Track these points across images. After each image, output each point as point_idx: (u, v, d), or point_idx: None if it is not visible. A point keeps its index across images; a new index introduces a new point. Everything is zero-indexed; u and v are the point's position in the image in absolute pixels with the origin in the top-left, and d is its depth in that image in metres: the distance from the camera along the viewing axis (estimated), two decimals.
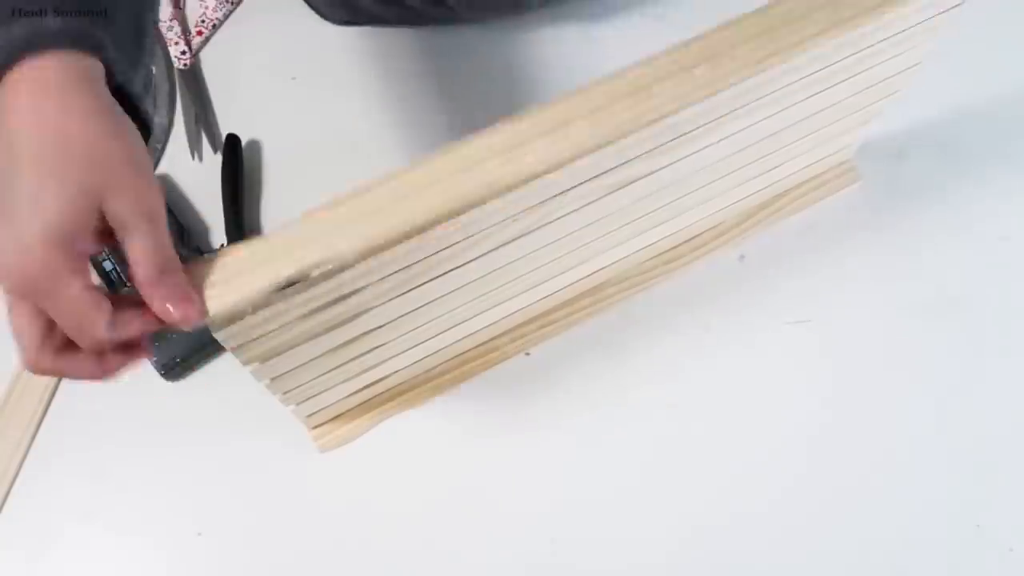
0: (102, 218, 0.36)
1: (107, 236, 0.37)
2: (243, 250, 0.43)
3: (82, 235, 0.35)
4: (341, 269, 0.43)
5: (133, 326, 0.38)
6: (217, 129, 0.75)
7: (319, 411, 0.62)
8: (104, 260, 0.67)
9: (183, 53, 0.77)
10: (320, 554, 0.63)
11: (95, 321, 0.36)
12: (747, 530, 0.64)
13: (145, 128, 0.41)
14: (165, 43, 0.77)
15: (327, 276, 0.43)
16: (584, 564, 0.63)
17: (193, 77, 0.76)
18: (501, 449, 0.65)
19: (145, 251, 0.37)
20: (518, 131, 0.46)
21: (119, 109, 0.37)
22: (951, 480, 0.65)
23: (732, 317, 0.68)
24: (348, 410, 0.65)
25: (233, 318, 0.42)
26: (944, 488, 0.65)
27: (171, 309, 0.38)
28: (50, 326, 0.37)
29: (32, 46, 0.35)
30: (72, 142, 0.35)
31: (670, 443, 0.65)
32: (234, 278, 0.41)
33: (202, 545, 0.63)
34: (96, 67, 0.37)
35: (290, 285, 0.42)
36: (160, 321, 0.38)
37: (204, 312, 0.39)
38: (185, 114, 0.75)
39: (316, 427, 0.65)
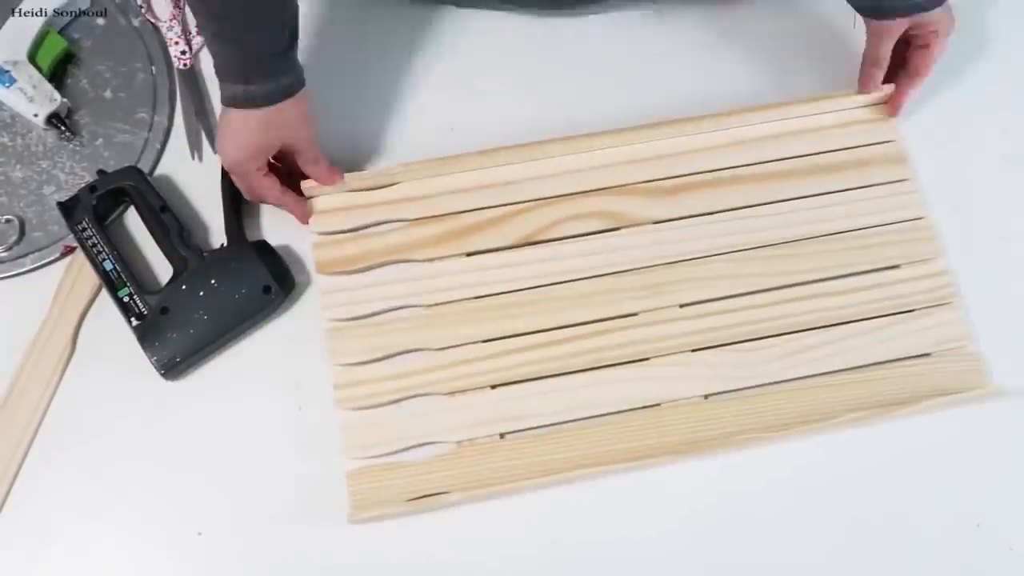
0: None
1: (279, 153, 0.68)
2: None
3: (262, 158, 0.66)
4: None
5: (290, 204, 0.69)
6: (216, 129, 0.75)
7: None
8: (104, 260, 0.67)
9: (183, 53, 0.77)
10: (320, 553, 0.63)
11: (269, 195, 0.68)
12: (746, 526, 0.64)
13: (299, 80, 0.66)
14: (166, 43, 0.77)
15: None
16: (584, 562, 0.63)
17: (193, 77, 0.76)
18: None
19: (306, 156, 0.67)
20: None
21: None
22: (951, 479, 0.65)
23: None
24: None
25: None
26: (944, 487, 0.65)
27: (321, 176, 0.69)
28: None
29: (292, 89, 0.64)
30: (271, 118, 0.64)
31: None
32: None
33: (202, 545, 0.63)
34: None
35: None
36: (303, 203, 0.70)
37: (342, 176, 0.69)
38: (185, 114, 0.75)
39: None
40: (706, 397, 0.65)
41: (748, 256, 0.68)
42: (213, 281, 0.67)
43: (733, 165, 0.71)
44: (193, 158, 0.74)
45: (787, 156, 0.71)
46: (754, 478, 0.65)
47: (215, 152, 0.74)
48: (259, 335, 0.68)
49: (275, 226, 0.71)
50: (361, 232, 0.70)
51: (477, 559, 0.63)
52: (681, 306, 0.67)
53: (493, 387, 0.65)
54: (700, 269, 0.68)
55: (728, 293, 0.67)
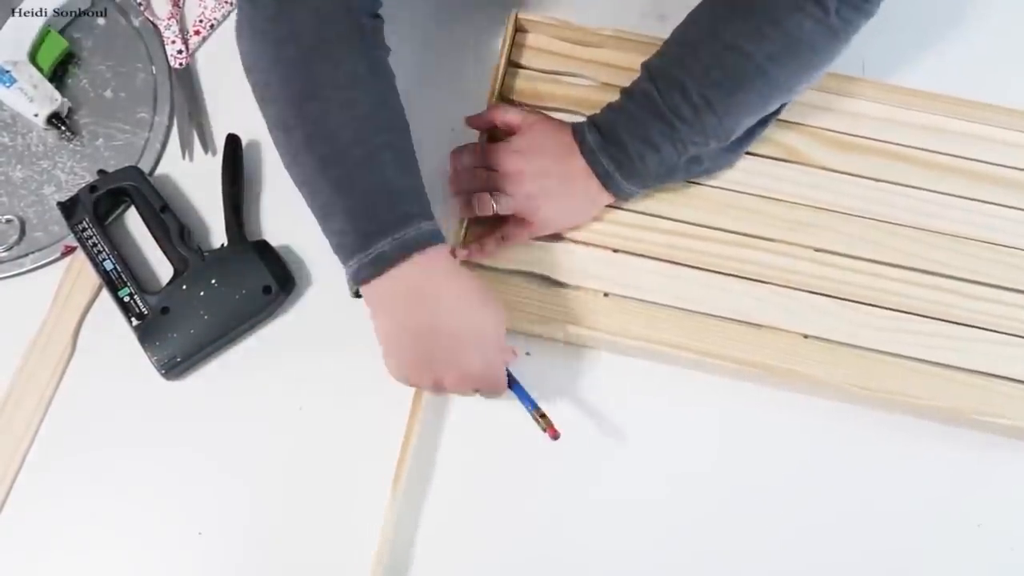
0: None
1: None
2: None
3: None
4: None
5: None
6: (209, 129, 0.75)
7: None
8: (104, 260, 0.67)
9: (179, 52, 0.77)
10: (321, 553, 0.63)
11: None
12: (757, 531, 0.64)
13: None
14: (163, 42, 0.77)
15: None
16: (588, 559, 0.63)
17: (188, 77, 0.76)
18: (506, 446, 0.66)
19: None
20: None
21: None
22: (952, 479, 0.65)
23: None
24: None
25: None
26: (945, 487, 0.65)
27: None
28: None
29: (431, 239, 0.57)
30: (483, 293, 0.59)
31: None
32: None
33: (202, 545, 0.63)
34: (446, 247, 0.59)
35: None
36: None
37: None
38: (178, 114, 0.75)
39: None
40: (806, 336, 0.66)
41: (898, 231, 0.70)
42: (213, 281, 0.67)
43: (923, 147, 0.72)
44: (184, 157, 0.74)
45: (979, 159, 0.72)
46: (759, 470, 0.65)
47: (206, 152, 0.74)
48: (259, 335, 0.68)
49: (275, 226, 0.71)
50: (553, 76, 0.74)
51: (476, 556, 0.63)
52: (816, 250, 0.69)
53: (615, 251, 0.68)
54: (847, 224, 0.70)
55: (865, 256, 0.69)
